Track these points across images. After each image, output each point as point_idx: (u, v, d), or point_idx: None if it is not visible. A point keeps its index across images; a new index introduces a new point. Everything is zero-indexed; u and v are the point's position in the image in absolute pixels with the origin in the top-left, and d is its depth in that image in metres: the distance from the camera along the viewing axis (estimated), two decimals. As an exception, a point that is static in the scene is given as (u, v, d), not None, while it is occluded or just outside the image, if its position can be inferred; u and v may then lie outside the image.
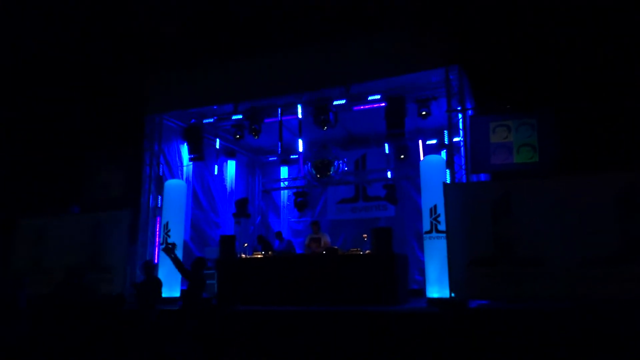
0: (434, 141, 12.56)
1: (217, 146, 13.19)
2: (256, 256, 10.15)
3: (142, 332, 7.05)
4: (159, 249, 11.12)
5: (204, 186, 13.23)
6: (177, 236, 10.96)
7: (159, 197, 11.31)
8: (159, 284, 7.75)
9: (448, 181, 8.97)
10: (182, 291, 9.93)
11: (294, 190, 14.06)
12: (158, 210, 11.26)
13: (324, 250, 10.08)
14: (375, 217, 13.46)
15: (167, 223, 10.88)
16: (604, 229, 7.18)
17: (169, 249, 6.97)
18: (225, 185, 14.05)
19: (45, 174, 14.70)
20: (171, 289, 10.77)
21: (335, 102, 10.70)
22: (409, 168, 12.88)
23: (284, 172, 15.06)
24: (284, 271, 9.66)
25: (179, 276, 10.61)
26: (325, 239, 10.93)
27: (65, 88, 16.52)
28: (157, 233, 11.18)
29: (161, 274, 10.82)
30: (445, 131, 9.97)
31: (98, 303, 7.31)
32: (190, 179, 12.68)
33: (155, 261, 11.26)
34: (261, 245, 11.41)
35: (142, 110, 11.49)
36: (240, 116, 11.49)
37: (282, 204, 14.90)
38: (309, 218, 14.08)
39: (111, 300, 8.61)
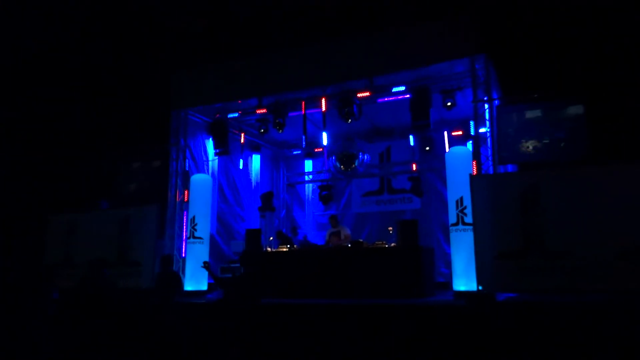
0: (459, 132, 12.45)
1: (242, 140, 13.27)
2: (281, 249, 10.19)
3: (159, 325, 7.09)
4: (186, 243, 11.15)
5: (229, 180, 13.30)
6: (204, 230, 11.02)
7: (186, 191, 11.38)
8: (176, 279, 7.73)
9: (474, 173, 8.83)
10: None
11: (319, 183, 14.12)
12: (185, 205, 11.31)
13: (349, 243, 10.14)
14: (401, 209, 13.42)
15: (194, 217, 10.95)
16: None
17: (207, 266, 6.94)
18: (250, 179, 14.11)
19: (75, 170, 14.90)
20: (199, 282, 10.78)
21: (359, 95, 10.67)
22: (434, 160, 12.79)
23: (308, 165, 15.07)
24: (309, 264, 9.68)
25: (205, 270, 10.55)
26: (345, 231, 10.91)
27: (93, 85, 16.75)
28: (185, 227, 11.22)
29: (188, 268, 10.86)
30: (471, 122, 9.86)
31: (120, 296, 7.31)
32: (216, 173, 12.75)
33: (183, 255, 11.35)
34: (280, 241, 11.43)
35: (167, 105, 11.56)
36: (264, 110, 11.53)
37: (306, 198, 14.91)
38: (334, 211, 14.05)
39: (138, 293, 8.74)
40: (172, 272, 7.84)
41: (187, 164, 11.68)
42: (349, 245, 9.83)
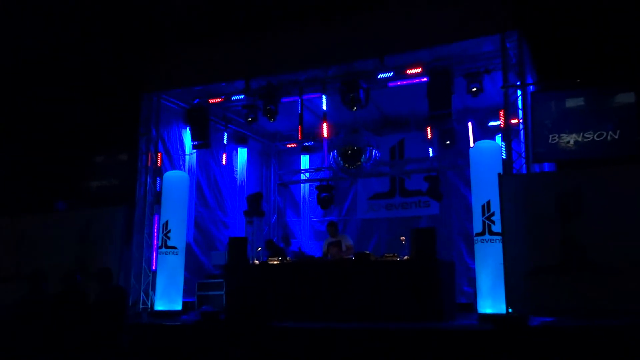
0: (487, 124, 12.61)
1: (226, 131, 13.41)
2: (271, 262, 10.22)
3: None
4: (157, 253, 11.20)
5: (209, 179, 13.41)
6: (179, 238, 11.05)
7: (158, 191, 11.48)
8: (121, 297, 7.18)
9: (504, 172, 8.93)
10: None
11: (317, 183, 14.22)
12: (156, 208, 11.40)
13: (352, 255, 10.16)
14: (415, 215, 13.66)
15: (167, 222, 10.96)
16: None
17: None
18: (235, 178, 14.25)
19: (26, 166, 14.88)
20: (172, 300, 10.80)
21: (366, 77, 10.79)
22: (457, 156, 12.97)
23: (304, 161, 15.23)
24: (305, 281, 9.72)
25: (179, 286, 10.71)
26: (347, 242, 10.97)
27: (49, 65, 16.62)
28: (155, 234, 11.29)
29: (160, 284, 10.88)
30: (500, 111, 9.93)
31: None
32: (194, 170, 12.86)
33: (153, 267, 11.43)
34: (269, 252, 11.56)
35: (137, 88, 11.60)
36: (253, 95, 11.71)
37: (302, 200, 15.05)
38: (335, 217, 14.29)
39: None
40: (116, 289, 7.34)
41: (159, 158, 11.76)
42: (352, 258, 9.86)
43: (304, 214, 15.05)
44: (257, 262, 10.62)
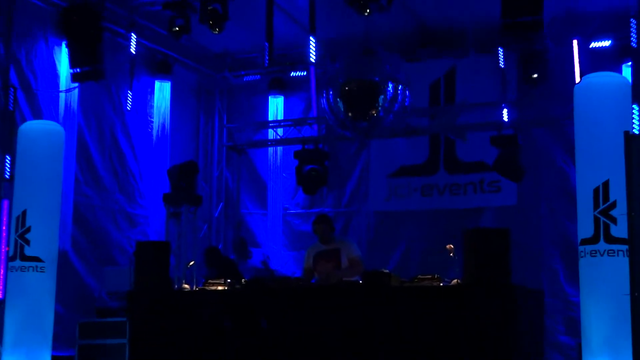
0: (604, 43, 12.63)
1: (133, 50, 13.48)
2: (213, 288, 10.36)
3: None
4: (6, 269, 11.06)
5: (104, 136, 13.71)
6: (46, 242, 10.73)
7: (8, 158, 11.66)
8: None
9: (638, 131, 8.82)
10: None
11: (298, 147, 14.47)
12: (5, 187, 11.61)
13: (361, 276, 10.22)
14: (474, 207, 14.06)
15: (24, 214, 10.68)
16: None
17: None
18: (150, 135, 14.53)
19: None
20: (31, 352, 10.42)
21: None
22: (549, 100, 13.19)
23: (275, 107, 15.51)
24: (275, 324, 9.78)
25: (47, 330, 10.48)
26: (350, 252, 11.07)
27: None
28: (4, 235, 11.49)
29: (9, 325, 10.55)
30: (631, 21, 10.05)
31: None
32: (76, 120, 13.13)
33: (0, 295, 11.65)
34: (212, 269, 12.17)
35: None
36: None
37: (270, 177, 15.33)
38: (329, 208, 14.74)
39: None
40: None
41: (12, 97, 11.85)
42: (359, 282, 9.95)
43: (274, 202, 15.33)
44: (186, 286, 10.84)
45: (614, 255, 8.71)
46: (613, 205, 8.71)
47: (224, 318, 10.01)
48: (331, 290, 10.19)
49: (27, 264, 10.79)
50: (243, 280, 10.88)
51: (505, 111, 13.81)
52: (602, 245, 8.81)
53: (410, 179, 14.62)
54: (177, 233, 14.04)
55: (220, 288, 10.37)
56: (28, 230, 10.79)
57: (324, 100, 12.96)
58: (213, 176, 15.55)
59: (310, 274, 11.06)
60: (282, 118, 15.63)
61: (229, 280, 10.49)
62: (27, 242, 10.75)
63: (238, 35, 13.17)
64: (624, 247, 8.28)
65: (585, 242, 8.89)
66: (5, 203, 11.76)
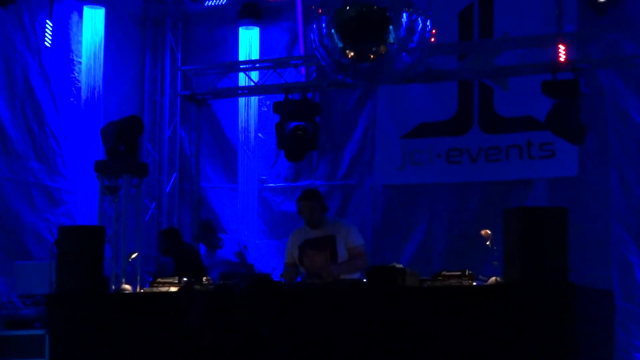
0: None
1: None
2: (165, 290, 9.35)
3: None
4: None
5: (13, 82, 12.83)
6: None
7: None
8: None
9: None
10: None
11: (279, 97, 13.49)
12: None
13: (365, 273, 9.38)
14: (519, 178, 13.13)
15: None
16: None
17: None
18: (76, 80, 13.74)
19: None
20: None
21: None
22: (622, 33, 12.50)
23: (248, 43, 14.74)
24: (240, 341, 8.84)
25: None
26: (350, 240, 10.17)
27: None
28: None
29: None
30: None
31: None
32: None
33: None
34: (170, 258, 11.90)
35: None
36: None
37: (241, 139, 14.45)
38: (321, 181, 13.97)
39: None
40: None
41: None
42: (363, 281, 9.16)
43: (246, 173, 14.27)
44: (127, 287, 10.19)
45: None
46: None
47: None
48: (323, 293, 9.07)
49: None
50: (205, 278, 9.67)
51: (561, 48, 12.51)
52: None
53: (433, 140, 13.30)
54: (114, 215, 12.81)
55: (173, 289, 9.19)
56: None
57: (314, 33, 11.22)
58: (163, 137, 14.37)
59: (294, 270, 10.09)
60: (258, 58, 14.48)
61: (188, 280, 9.19)
62: None
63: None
64: None
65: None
66: None
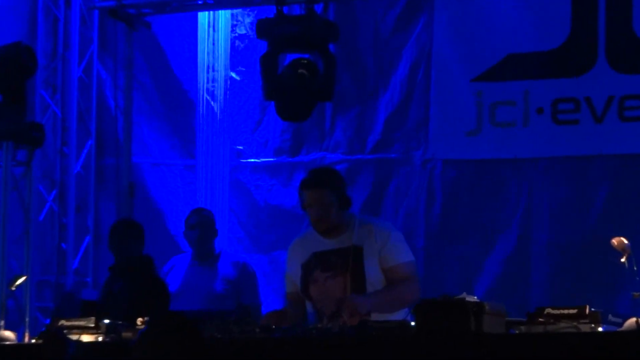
0: None
1: None
2: (74, 338, 7.42)
3: None
4: None
5: None
6: None
7: None
8: None
9: None
10: None
11: (267, 12, 11.84)
12: None
13: (411, 311, 7.10)
14: None
15: None
16: None
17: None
18: None
19: None
20: None
21: None
22: None
23: None
24: None
25: None
26: (389, 254, 7.94)
27: None
28: None
29: None
30: None
31: None
32: None
33: None
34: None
35: None
36: None
37: (201, 80, 12.30)
38: (338, 154, 11.83)
39: None
40: None
41: None
42: (411, 325, 6.86)
43: (210, 141, 12.32)
44: (8, 337, 8.48)
45: None
46: None
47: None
48: (345, 347, 6.88)
49: None
50: (141, 320, 7.21)
51: None
52: None
53: (528, 84, 10.55)
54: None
55: (88, 339, 7.17)
56: None
57: None
58: (70, 79, 11.75)
59: (300, 305, 7.96)
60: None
61: (119, 323, 7.20)
62: None
63: None
64: None
65: None
66: None
